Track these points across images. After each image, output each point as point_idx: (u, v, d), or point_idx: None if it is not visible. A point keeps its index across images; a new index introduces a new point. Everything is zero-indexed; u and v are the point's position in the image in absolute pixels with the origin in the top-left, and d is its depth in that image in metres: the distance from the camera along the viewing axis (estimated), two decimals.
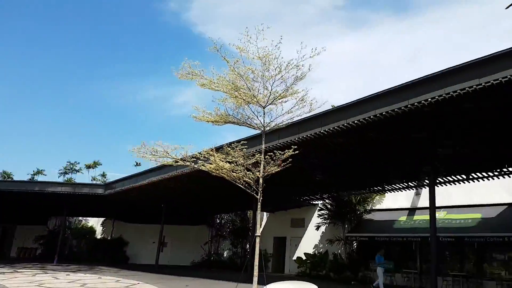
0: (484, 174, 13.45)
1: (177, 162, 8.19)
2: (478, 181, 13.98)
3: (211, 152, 7.53)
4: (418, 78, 8.72)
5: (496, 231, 13.90)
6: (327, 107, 10.76)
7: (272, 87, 7.35)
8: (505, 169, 12.88)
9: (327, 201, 20.56)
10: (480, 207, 15.70)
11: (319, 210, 21.04)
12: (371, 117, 9.46)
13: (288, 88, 7.38)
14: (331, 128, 10.46)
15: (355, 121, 9.85)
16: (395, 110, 8.94)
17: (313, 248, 21.33)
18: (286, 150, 7.84)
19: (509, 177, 13.28)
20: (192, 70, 7.27)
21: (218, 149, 8.05)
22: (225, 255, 27.13)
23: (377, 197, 19.73)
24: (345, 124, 10.10)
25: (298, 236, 22.58)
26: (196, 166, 7.87)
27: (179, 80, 7.46)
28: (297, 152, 7.99)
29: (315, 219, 21.48)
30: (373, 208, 19.68)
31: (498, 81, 7.40)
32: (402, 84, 9.03)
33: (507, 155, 12.02)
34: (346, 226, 19.60)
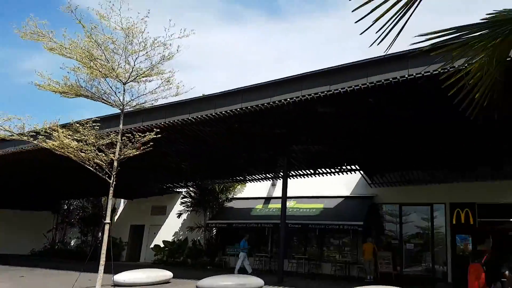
0: (328, 170, 15.49)
1: (11, 136, 6.85)
2: (323, 175, 16.00)
3: (54, 127, 6.50)
4: (281, 78, 9.38)
5: (333, 220, 16.09)
6: (197, 94, 10.66)
7: (136, 63, 6.77)
8: (344, 167, 15.09)
9: (191, 189, 20.57)
10: (323, 198, 17.91)
11: (183, 198, 20.89)
12: (238, 109, 9.80)
13: (153, 66, 6.90)
14: (199, 116, 10.45)
15: (223, 112, 10.06)
16: (259, 105, 9.43)
17: (173, 236, 21.10)
18: (148, 133, 7.39)
19: (347, 173, 15.61)
20: (38, 30, 6.10)
21: (65, 125, 7.03)
22: (72, 244, 24.67)
23: (238, 186, 20.67)
24: (213, 114, 10.23)
25: (158, 224, 21.98)
26: (35, 142, 6.71)
27: (28, 43, 6.20)
28: (159, 136, 7.65)
29: (178, 207, 21.25)
30: (234, 196, 20.55)
31: (344, 90, 8.45)
32: (267, 81, 9.58)
33: (346, 156, 14.06)
34: (208, 213, 19.98)
